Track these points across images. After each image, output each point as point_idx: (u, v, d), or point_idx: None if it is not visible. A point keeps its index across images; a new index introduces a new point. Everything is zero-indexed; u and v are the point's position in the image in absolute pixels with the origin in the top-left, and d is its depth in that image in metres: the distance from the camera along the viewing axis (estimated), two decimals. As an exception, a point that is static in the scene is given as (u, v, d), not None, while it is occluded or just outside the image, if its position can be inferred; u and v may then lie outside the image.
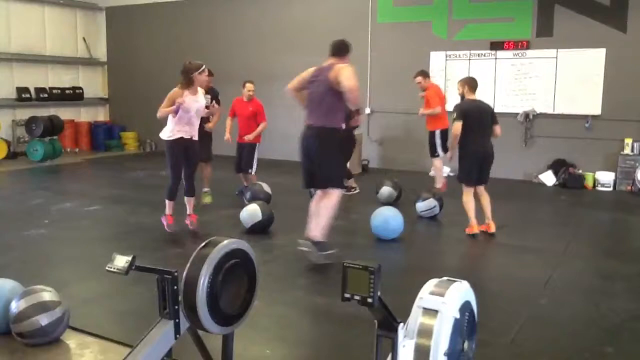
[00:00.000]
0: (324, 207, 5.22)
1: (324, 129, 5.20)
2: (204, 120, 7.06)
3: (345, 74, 5.04)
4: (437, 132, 8.56)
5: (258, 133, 8.05)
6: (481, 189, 6.39)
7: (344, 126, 5.92)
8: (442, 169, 8.75)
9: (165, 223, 6.32)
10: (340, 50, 5.32)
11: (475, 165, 6.26)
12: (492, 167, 6.39)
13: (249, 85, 8.10)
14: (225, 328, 2.67)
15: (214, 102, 7.45)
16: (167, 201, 6.30)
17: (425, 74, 8.82)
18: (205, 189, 7.83)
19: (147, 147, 14.19)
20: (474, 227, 6.28)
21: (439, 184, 8.44)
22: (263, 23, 12.36)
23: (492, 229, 6.33)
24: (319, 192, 5.42)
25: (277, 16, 12.21)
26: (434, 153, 8.65)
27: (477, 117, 6.18)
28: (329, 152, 5.24)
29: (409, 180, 8.80)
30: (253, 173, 8.18)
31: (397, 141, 11.30)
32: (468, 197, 6.33)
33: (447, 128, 8.27)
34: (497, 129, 6.28)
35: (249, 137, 8.01)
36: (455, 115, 6.25)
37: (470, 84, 6.41)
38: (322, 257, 5.13)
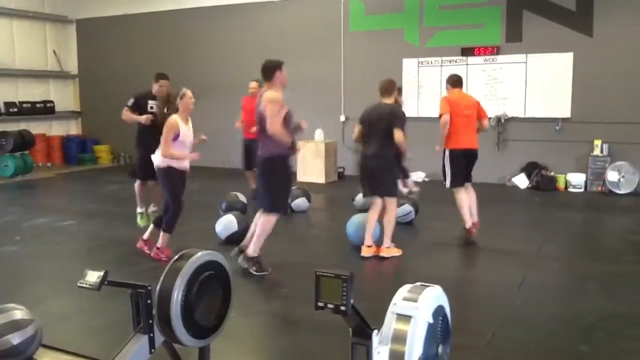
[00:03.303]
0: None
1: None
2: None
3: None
4: None
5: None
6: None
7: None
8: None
9: (165, 257, 5.53)
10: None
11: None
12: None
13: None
14: (201, 341, 2.65)
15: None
16: (168, 235, 5.68)
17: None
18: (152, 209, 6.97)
19: (122, 160, 14.06)
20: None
21: None
22: (237, 33, 12.33)
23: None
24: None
25: (251, 26, 12.19)
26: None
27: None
28: None
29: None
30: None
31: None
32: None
33: None
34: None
35: None
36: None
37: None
38: None
